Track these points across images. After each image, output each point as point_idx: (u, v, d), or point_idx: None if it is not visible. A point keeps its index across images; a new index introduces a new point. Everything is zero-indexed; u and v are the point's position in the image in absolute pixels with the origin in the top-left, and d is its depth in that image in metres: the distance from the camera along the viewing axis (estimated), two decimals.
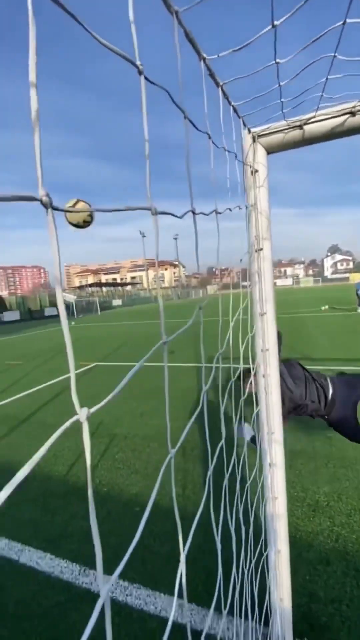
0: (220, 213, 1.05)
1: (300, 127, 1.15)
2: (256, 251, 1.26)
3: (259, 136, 1.20)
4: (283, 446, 1.35)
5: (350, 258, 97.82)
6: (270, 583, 1.44)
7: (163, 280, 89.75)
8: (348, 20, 0.52)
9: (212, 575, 1.95)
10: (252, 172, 1.22)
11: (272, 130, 1.17)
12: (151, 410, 4.69)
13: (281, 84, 0.75)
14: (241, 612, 1.25)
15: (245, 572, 1.18)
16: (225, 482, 0.90)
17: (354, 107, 1.07)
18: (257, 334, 1.30)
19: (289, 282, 72.16)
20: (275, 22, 0.48)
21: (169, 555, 2.14)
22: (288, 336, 9.60)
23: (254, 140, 1.21)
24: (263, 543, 1.39)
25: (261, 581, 1.42)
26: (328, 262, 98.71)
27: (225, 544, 0.83)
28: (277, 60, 0.61)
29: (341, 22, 0.52)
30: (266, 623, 1.47)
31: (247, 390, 1.55)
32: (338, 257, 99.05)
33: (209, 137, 0.75)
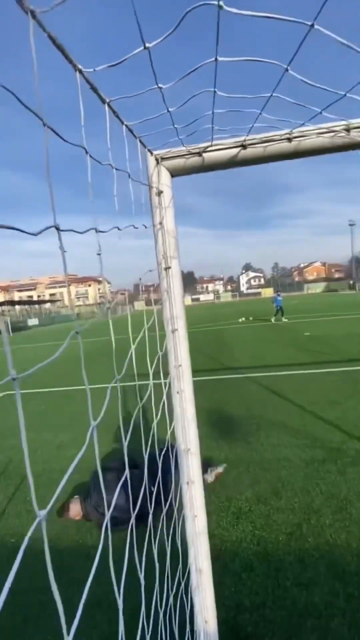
0: (120, 229, 1.03)
1: (200, 154, 1.23)
2: (165, 269, 1.27)
3: (162, 159, 1.24)
4: (199, 461, 1.36)
5: (262, 275, 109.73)
6: (195, 606, 1.40)
7: (87, 297, 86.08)
8: (219, 58, 0.56)
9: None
10: (157, 193, 1.25)
11: (173, 155, 1.22)
12: (69, 441, 4.30)
13: (170, 109, 0.78)
14: None
15: (163, 606, 1.12)
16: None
17: (244, 140, 1.19)
18: (170, 351, 1.30)
19: (210, 297, 76.91)
20: (147, 45, 0.49)
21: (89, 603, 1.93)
22: (211, 347, 10.10)
23: (157, 163, 1.25)
24: (181, 567, 1.35)
25: (183, 607, 1.37)
26: (243, 279, 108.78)
27: (147, 577, 0.76)
28: (160, 85, 0.62)
29: (213, 59, 0.56)
30: None
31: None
32: (251, 274, 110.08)
33: (112, 167, 0.73)
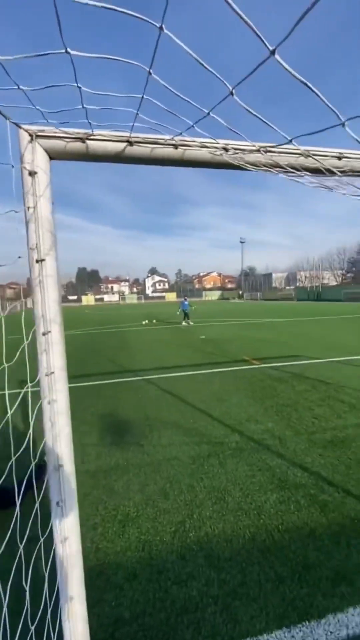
0: None
1: (83, 140, 1.12)
2: (37, 262, 1.11)
3: (38, 136, 1.09)
4: (74, 478, 1.23)
5: (166, 280, 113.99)
6: (64, 635, 1.26)
7: None
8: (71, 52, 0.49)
9: None
10: (29, 173, 1.08)
11: (51, 134, 1.08)
12: None
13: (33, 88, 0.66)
14: None
15: None
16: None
17: (130, 137, 1.15)
18: (41, 356, 1.15)
19: (115, 297, 75.49)
20: None
21: None
22: (112, 349, 9.83)
23: (32, 139, 1.08)
24: (47, 596, 1.20)
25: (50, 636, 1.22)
26: (149, 282, 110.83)
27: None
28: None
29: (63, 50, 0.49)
30: None
31: None
32: (157, 277, 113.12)
33: None
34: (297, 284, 72.45)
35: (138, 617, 1.77)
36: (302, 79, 0.58)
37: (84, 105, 0.92)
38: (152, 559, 2.14)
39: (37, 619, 1.11)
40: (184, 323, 17.52)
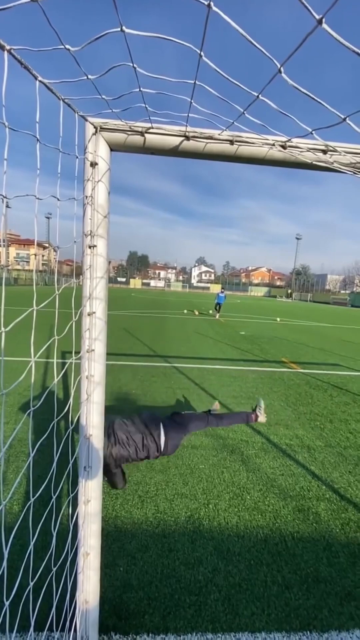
0: (40, 199, 0.94)
1: (142, 134, 1.17)
2: (89, 247, 1.20)
3: (102, 129, 1.15)
4: (102, 448, 1.35)
5: (213, 271, 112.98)
6: (77, 587, 1.40)
7: (28, 262, 79.16)
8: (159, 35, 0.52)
9: None
10: (91, 164, 1.16)
11: (114, 127, 1.14)
12: None
13: (89, 77, 0.71)
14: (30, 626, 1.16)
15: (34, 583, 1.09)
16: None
17: (187, 131, 1.17)
18: (84, 334, 1.25)
19: (161, 284, 76.85)
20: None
21: None
22: (152, 334, 10.13)
23: (96, 131, 1.16)
24: (69, 548, 1.34)
25: (64, 587, 1.37)
26: (195, 271, 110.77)
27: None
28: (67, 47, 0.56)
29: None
30: (69, 628, 1.42)
31: None
32: (204, 268, 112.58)
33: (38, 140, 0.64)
34: (354, 289, 67.31)
35: (145, 586, 1.89)
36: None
37: (141, 89, 0.96)
38: (164, 536, 2.25)
39: (59, 563, 1.25)
40: (212, 313, 17.39)
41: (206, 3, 0.42)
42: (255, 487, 2.84)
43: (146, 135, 1.16)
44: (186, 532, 2.30)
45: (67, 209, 1.18)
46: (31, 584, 1.02)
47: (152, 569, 2.00)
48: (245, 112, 0.77)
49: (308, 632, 1.70)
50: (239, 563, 2.06)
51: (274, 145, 1.12)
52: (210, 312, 17.63)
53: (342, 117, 0.61)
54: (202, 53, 0.54)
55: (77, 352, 1.29)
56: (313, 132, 0.78)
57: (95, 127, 1.14)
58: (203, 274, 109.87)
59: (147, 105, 0.91)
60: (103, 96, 0.84)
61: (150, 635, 1.65)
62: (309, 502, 2.69)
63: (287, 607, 1.82)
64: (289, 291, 68.02)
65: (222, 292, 18.07)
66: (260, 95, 0.64)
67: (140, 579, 1.93)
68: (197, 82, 0.69)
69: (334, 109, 0.65)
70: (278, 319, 18.47)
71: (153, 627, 1.68)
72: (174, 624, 1.70)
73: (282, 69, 0.52)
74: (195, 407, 4.54)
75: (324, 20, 0.40)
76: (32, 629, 0.98)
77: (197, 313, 19.00)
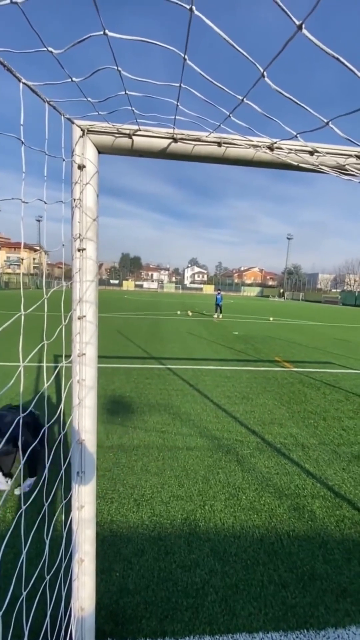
0: (26, 203, 0.93)
1: (130, 136, 1.16)
2: (78, 250, 1.19)
3: (89, 131, 1.15)
4: (95, 452, 1.33)
5: (205, 271, 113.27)
6: (72, 595, 1.39)
7: (19, 266, 78.20)
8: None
9: None
10: (79, 166, 1.15)
11: (101, 130, 1.14)
12: None
13: (77, 79, 0.71)
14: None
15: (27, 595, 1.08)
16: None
17: (174, 133, 1.17)
18: (74, 337, 1.24)
19: (154, 285, 76.76)
20: None
21: None
22: (143, 335, 10.09)
23: (83, 134, 1.15)
24: (62, 555, 1.32)
25: (59, 597, 1.35)
26: (188, 272, 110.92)
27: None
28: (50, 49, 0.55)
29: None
30: (64, 636, 1.40)
31: None
32: (196, 269, 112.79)
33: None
34: (345, 288, 68.21)
35: (142, 590, 1.88)
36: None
37: (127, 92, 0.95)
38: (160, 539, 2.24)
39: (53, 570, 1.23)
40: (215, 316, 17.65)
41: (188, 7, 0.42)
42: (251, 486, 2.85)
43: (134, 137, 1.16)
44: (182, 534, 2.29)
45: (57, 212, 1.17)
46: (24, 593, 1.00)
47: (148, 572, 1.99)
48: (230, 115, 0.77)
49: (305, 630, 1.71)
50: (236, 564, 2.06)
51: (260, 147, 1.13)
52: (204, 312, 17.99)
53: (325, 120, 0.62)
54: (186, 57, 0.54)
55: (68, 356, 1.27)
56: (298, 135, 0.79)
57: (82, 129, 1.13)
58: (196, 275, 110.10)
59: (134, 109, 0.90)
60: (89, 99, 0.83)
61: (147, 639, 1.63)
62: (304, 500, 2.71)
63: (284, 605, 1.82)
64: (281, 291, 68.57)
65: (218, 293, 18.52)
66: (245, 99, 0.64)
67: (137, 583, 1.92)
68: (182, 85, 0.69)
69: (323, 109, 0.66)
70: (271, 319, 18.61)
71: (150, 631, 1.67)
72: (171, 628, 1.69)
73: (265, 74, 0.52)
74: (189, 408, 4.54)
75: (303, 26, 0.40)
76: (25, 638, 0.97)
77: (190, 314, 19.07)
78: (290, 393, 5.42)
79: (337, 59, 0.47)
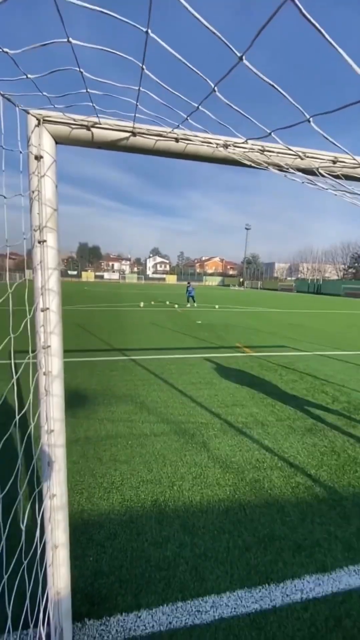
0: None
1: (88, 128, 1.17)
2: (39, 242, 1.19)
3: (45, 121, 1.13)
4: (64, 443, 1.36)
5: (168, 261, 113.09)
6: (47, 581, 1.42)
7: None
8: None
9: None
10: (35, 157, 1.14)
11: (58, 120, 1.13)
12: None
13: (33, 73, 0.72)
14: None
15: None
16: None
17: (134, 127, 1.19)
18: (38, 330, 1.24)
19: (115, 276, 75.10)
20: None
21: None
22: (107, 328, 9.95)
23: (39, 123, 1.13)
24: (37, 542, 1.34)
25: (29, 581, 1.38)
26: (150, 262, 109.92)
27: None
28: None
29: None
30: (42, 622, 1.44)
31: None
32: (158, 259, 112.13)
33: None
34: (299, 276, 72.22)
35: (116, 570, 1.96)
36: (270, 82, 0.63)
37: (88, 90, 0.97)
38: (132, 522, 2.32)
39: (29, 555, 1.26)
40: (188, 305, 18.36)
41: (144, 30, 0.46)
42: (216, 465, 3.03)
43: (93, 130, 1.16)
44: (153, 515, 2.39)
45: (15, 200, 1.15)
46: (5, 576, 1.03)
47: (121, 554, 2.07)
48: (188, 117, 0.83)
49: (267, 585, 1.91)
50: (204, 535, 2.22)
51: (216, 146, 1.20)
52: (177, 306, 18.45)
53: (267, 132, 0.70)
54: (143, 66, 0.58)
55: (33, 351, 1.27)
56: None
57: (37, 119, 1.12)
58: (158, 265, 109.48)
59: (94, 104, 0.92)
60: (44, 93, 0.84)
61: (123, 614, 1.72)
62: (264, 472, 2.95)
63: (248, 566, 2.01)
64: (241, 280, 70.82)
65: (189, 284, 19.32)
66: (200, 106, 0.70)
67: (111, 565, 1.99)
68: (141, 89, 0.73)
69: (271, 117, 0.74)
70: (217, 306, 19.25)
71: (126, 606, 1.76)
72: (145, 600, 1.79)
73: (216, 88, 0.58)
74: (156, 396, 4.63)
75: (244, 57, 0.46)
76: (9, 619, 0.99)
77: (153, 303, 19.17)
78: (250, 376, 5.74)
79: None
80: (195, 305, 18.79)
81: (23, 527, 1.13)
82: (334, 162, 1.37)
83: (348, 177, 1.37)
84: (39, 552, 1.28)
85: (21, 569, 1.14)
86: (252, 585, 1.90)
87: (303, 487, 2.76)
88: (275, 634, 1.64)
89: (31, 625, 1.31)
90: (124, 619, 1.69)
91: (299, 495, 2.66)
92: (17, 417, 1.04)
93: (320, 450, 3.37)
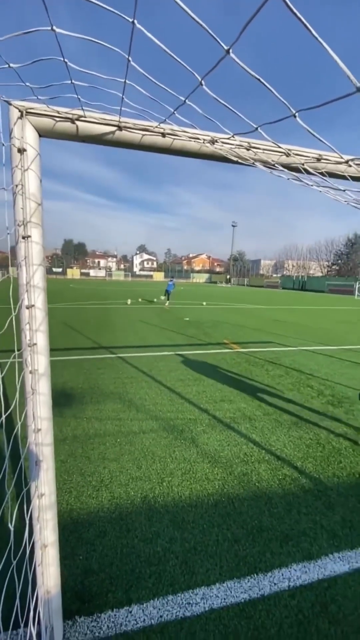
0: None
1: (72, 121, 1.15)
2: (23, 238, 1.16)
3: (28, 113, 1.10)
4: (52, 441, 1.34)
5: (155, 259, 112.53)
6: (37, 579, 1.41)
7: None
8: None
9: None
10: (18, 150, 1.11)
11: (41, 112, 1.10)
12: None
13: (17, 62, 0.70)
14: None
15: None
16: None
17: (120, 121, 1.18)
18: (24, 328, 1.22)
19: (102, 273, 74.24)
20: None
21: None
22: (94, 325, 9.84)
23: (22, 115, 1.10)
24: (27, 541, 1.33)
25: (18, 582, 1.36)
26: (137, 259, 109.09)
27: None
28: None
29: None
30: (33, 621, 1.43)
31: None
32: (145, 256, 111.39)
33: None
34: (284, 272, 73.31)
35: (106, 567, 1.96)
36: (257, 76, 0.63)
37: (73, 81, 0.95)
38: (121, 519, 2.32)
39: (19, 555, 1.24)
40: (166, 304, 17.64)
41: (130, 20, 0.46)
42: (205, 460, 3.06)
43: (78, 123, 1.14)
44: (142, 511, 2.40)
45: None
46: None
47: (111, 551, 2.07)
48: (175, 112, 0.82)
49: (255, 575, 1.95)
50: (194, 529, 2.24)
51: (203, 142, 1.20)
52: (155, 300, 18.11)
53: (254, 126, 0.71)
54: (129, 58, 0.58)
55: (18, 349, 1.25)
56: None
57: (20, 110, 1.09)
58: (145, 262, 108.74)
59: (79, 97, 0.90)
60: (27, 83, 0.81)
61: (114, 610, 1.73)
62: (251, 465, 3.00)
63: (237, 557, 2.05)
64: (228, 277, 71.29)
65: (171, 280, 18.64)
66: (187, 101, 0.70)
67: (101, 562, 1.99)
68: (127, 81, 0.72)
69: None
70: (204, 303, 19.34)
71: (116, 602, 1.77)
72: (136, 595, 1.80)
73: (203, 82, 0.58)
74: (144, 394, 4.62)
75: (231, 50, 0.47)
76: None
77: (140, 300, 19.00)
78: (237, 372, 5.80)
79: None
80: (167, 304, 17.38)
81: (11, 527, 1.11)
82: (319, 160, 1.40)
83: (332, 175, 1.40)
84: (27, 551, 1.27)
85: (10, 569, 1.13)
86: (241, 576, 1.93)
87: (289, 479, 2.83)
88: (264, 622, 1.68)
89: (22, 625, 1.29)
90: (115, 615, 1.70)
91: (286, 487, 2.72)
92: (4, 417, 1.02)
93: (305, 442, 3.45)
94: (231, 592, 1.83)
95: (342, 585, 1.90)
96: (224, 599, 1.79)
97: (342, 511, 2.46)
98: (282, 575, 1.96)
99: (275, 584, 1.90)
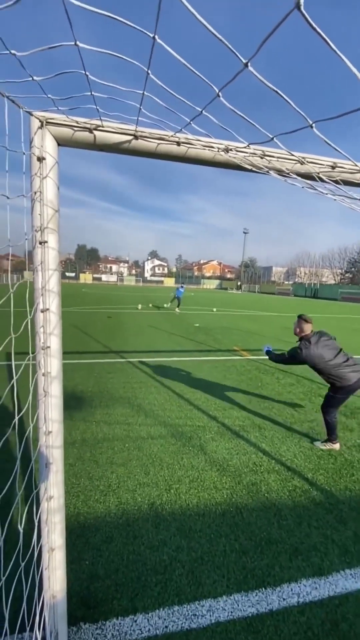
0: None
1: (90, 130, 1.18)
2: (40, 243, 1.19)
3: (48, 123, 1.14)
4: (62, 444, 1.35)
5: (166, 264, 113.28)
6: (43, 584, 1.41)
7: None
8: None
9: None
10: (38, 158, 1.14)
11: (61, 122, 1.14)
12: None
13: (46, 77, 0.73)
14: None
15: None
16: None
17: (136, 131, 1.20)
18: (38, 331, 1.24)
19: (113, 278, 75.13)
20: None
21: None
22: (107, 330, 9.93)
23: (42, 125, 1.14)
24: (35, 544, 1.33)
25: (25, 586, 1.36)
26: (148, 265, 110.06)
27: None
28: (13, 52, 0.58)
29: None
30: (38, 626, 1.43)
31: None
32: (157, 261, 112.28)
33: None
34: (296, 280, 72.60)
35: (112, 574, 1.94)
36: (274, 88, 0.63)
37: (92, 92, 0.98)
38: (128, 525, 2.31)
39: (27, 557, 1.25)
40: (176, 309, 17.56)
41: (151, 35, 0.47)
42: (213, 468, 3.03)
43: (95, 132, 1.17)
44: (150, 518, 2.38)
45: (16, 202, 1.15)
46: (3, 579, 1.02)
47: (117, 557, 2.06)
48: (191, 122, 0.84)
49: (263, 589, 1.90)
50: (201, 539, 2.21)
51: (217, 150, 1.21)
52: (166, 305, 18.20)
53: (270, 136, 0.71)
54: (149, 71, 0.59)
55: (32, 352, 1.27)
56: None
57: (40, 121, 1.12)
58: (156, 268, 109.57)
59: (98, 107, 0.93)
60: (50, 95, 0.84)
61: (119, 618, 1.71)
62: (260, 475, 2.94)
63: (244, 570, 2.00)
64: (239, 283, 71.04)
65: (181, 286, 18.59)
66: (203, 111, 0.71)
67: (107, 568, 1.98)
68: (145, 92, 0.74)
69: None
70: (214, 309, 19.26)
71: (122, 610, 1.75)
72: (142, 604, 1.78)
73: (220, 94, 0.59)
74: (153, 399, 4.62)
75: (249, 64, 0.47)
76: (6, 621, 0.98)
77: (150, 306, 19.10)
78: (248, 379, 5.74)
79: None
80: (177, 310, 17.22)
81: (21, 529, 1.12)
82: (333, 168, 1.39)
83: (347, 183, 1.39)
84: (35, 554, 1.27)
85: (18, 572, 1.13)
86: (248, 589, 1.89)
87: (300, 490, 2.76)
88: (272, 637, 1.64)
89: (27, 629, 1.29)
90: (119, 623, 1.68)
91: (296, 498, 2.66)
92: (17, 418, 1.03)
93: (317, 453, 3.37)
94: (238, 605, 1.79)
95: (353, 603, 1.83)
96: (231, 612, 1.75)
97: (354, 526, 2.39)
98: (292, 590, 1.90)
99: (284, 599, 1.85)
